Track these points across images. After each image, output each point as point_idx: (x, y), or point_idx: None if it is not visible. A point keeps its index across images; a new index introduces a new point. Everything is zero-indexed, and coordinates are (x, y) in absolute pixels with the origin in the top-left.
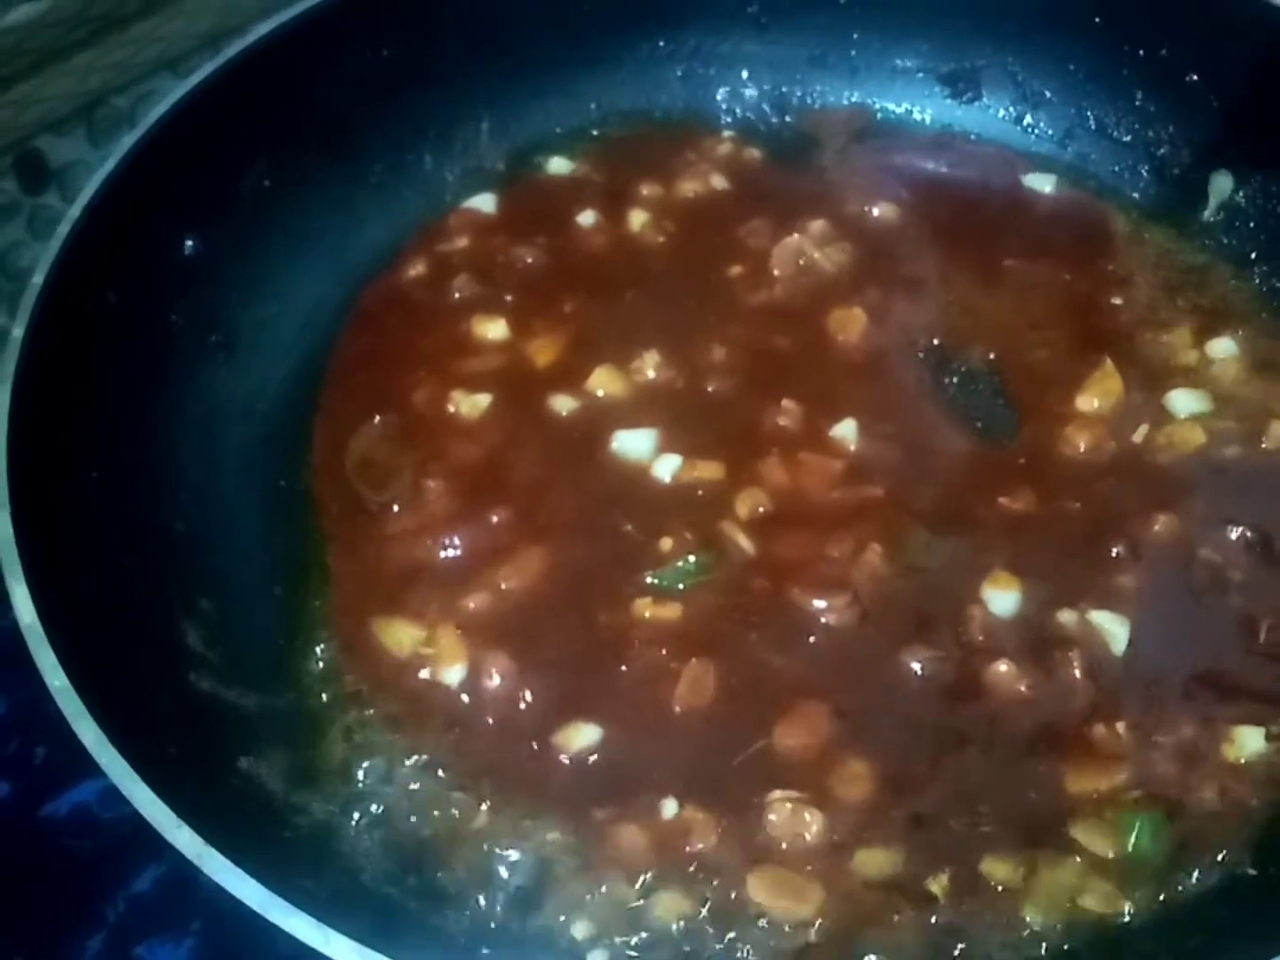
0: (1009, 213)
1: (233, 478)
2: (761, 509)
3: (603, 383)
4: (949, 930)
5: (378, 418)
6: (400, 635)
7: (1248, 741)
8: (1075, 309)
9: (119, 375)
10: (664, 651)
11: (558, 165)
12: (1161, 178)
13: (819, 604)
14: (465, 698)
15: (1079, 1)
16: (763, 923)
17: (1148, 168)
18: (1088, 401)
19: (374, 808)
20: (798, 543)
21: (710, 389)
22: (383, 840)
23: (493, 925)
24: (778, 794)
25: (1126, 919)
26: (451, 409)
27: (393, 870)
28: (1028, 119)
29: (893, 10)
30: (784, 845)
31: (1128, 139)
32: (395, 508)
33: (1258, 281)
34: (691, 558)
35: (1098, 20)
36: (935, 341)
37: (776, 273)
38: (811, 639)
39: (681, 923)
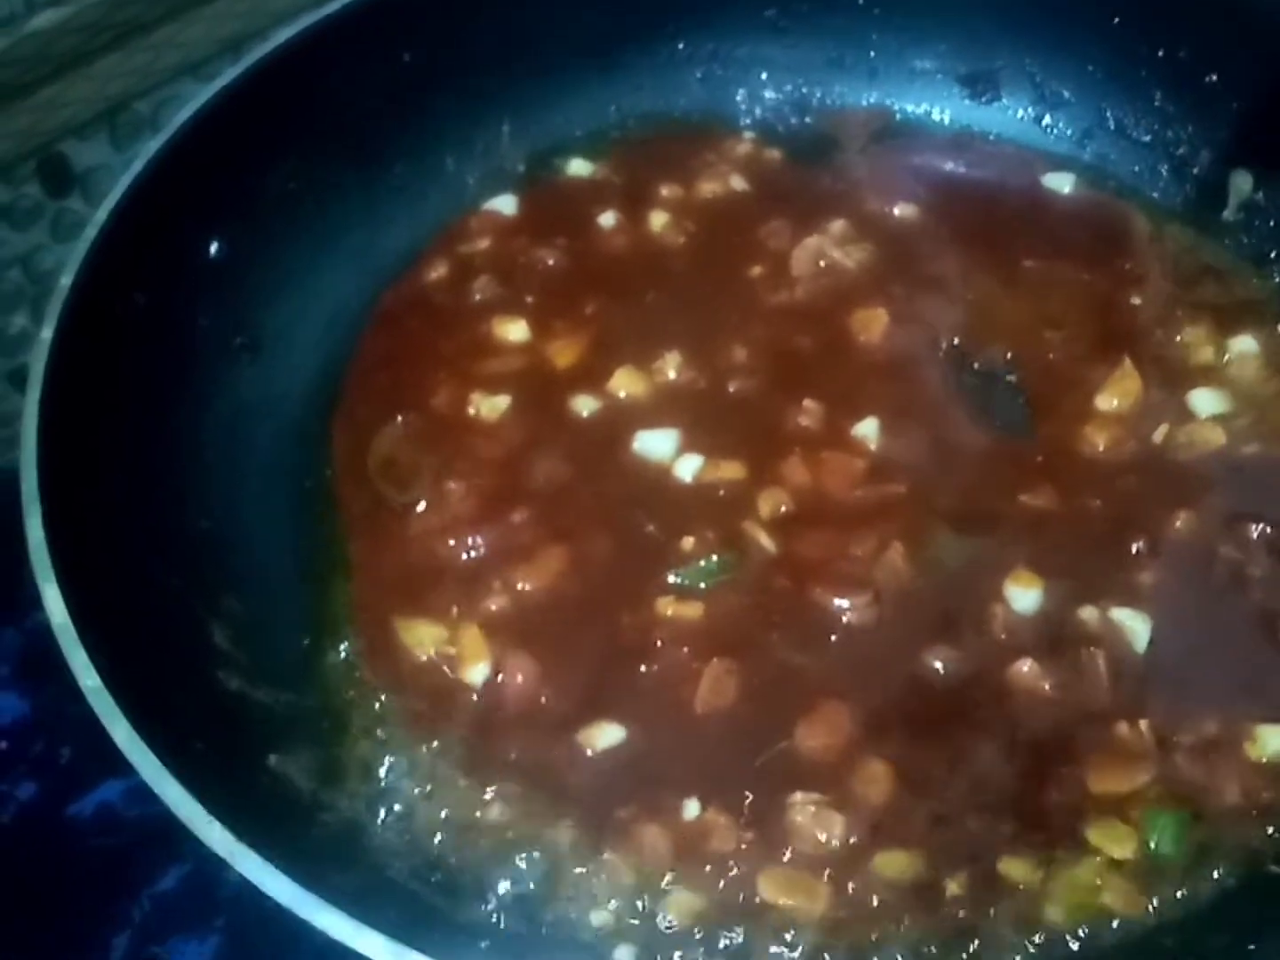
0: (1028, 212)
1: (258, 478)
2: (783, 508)
3: (624, 384)
4: (966, 930)
5: (399, 418)
6: (423, 634)
7: (1270, 740)
8: (1094, 308)
9: (146, 377)
10: (685, 651)
11: (578, 167)
12: (1181, 177)
13: (841, 603)
14: (488, 697)
15: (1097, 2)
16: (778, 921)
17: (1167, 167)
18: (1107, 401)
19: (398, 805)
20: (819, 541)
21: (731, 389)
22: (408, 837)
23: (516, 920)
24: (799, 796)
25: (1148, 918)
26: (472, 410)
27: (419, 866)
28: (1046, 119)
29: (911, 12)
30: (806, 848)
31: (1147, 139)
32: (418, 508)
33: (1278, 280)
34: (714, 557)
35: (1116, 21)
36: (955, 341)
37: (796, 273)
38: (833, 638)
39: (700, 922)
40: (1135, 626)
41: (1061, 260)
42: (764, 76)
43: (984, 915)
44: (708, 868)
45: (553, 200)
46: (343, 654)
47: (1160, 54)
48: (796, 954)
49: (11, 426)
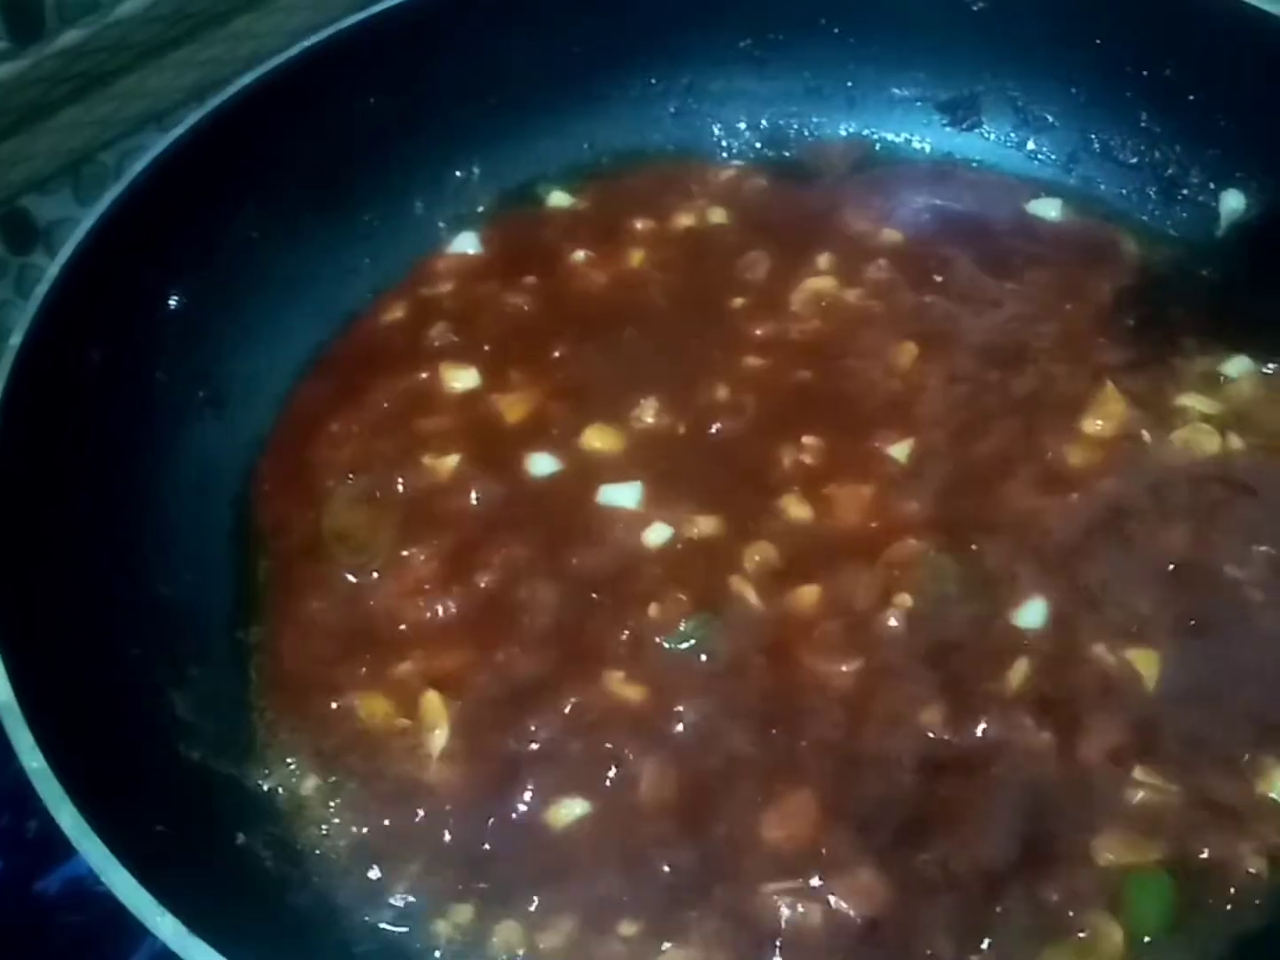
0: (1015, 239)
1: (224, 539)
2: (771, 562)
3: (593, 438)
4: None
5: (350, 476)
6: (376, 706)
7: None
8: (1085, 332)
9: (103, 436)
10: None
11: (551, 205)
12: (1170, 199)
13: (829, 669)
14: (445, 771)
15: (1079, 24)
16: None
17: (1155, 189)
18: (1092, 424)
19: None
20: (811, 597)
21: (714, 431)
22: (378, 915)
23: None
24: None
25: None
26: (422, 467)
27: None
28: (1030, 144)
29: (889, 39)
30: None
31: (1134, 161)
32: (374, 574)
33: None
34: (692, 621)
35: (1099, 42)
36: (947, 367)
37: (795, 309)
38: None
39: None
40: (1145, 664)
41: (1051, 285)
42: (740, 108)
43: None
44: None
45: (523, 239)
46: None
47: (1145, 73)
48: None
49: None
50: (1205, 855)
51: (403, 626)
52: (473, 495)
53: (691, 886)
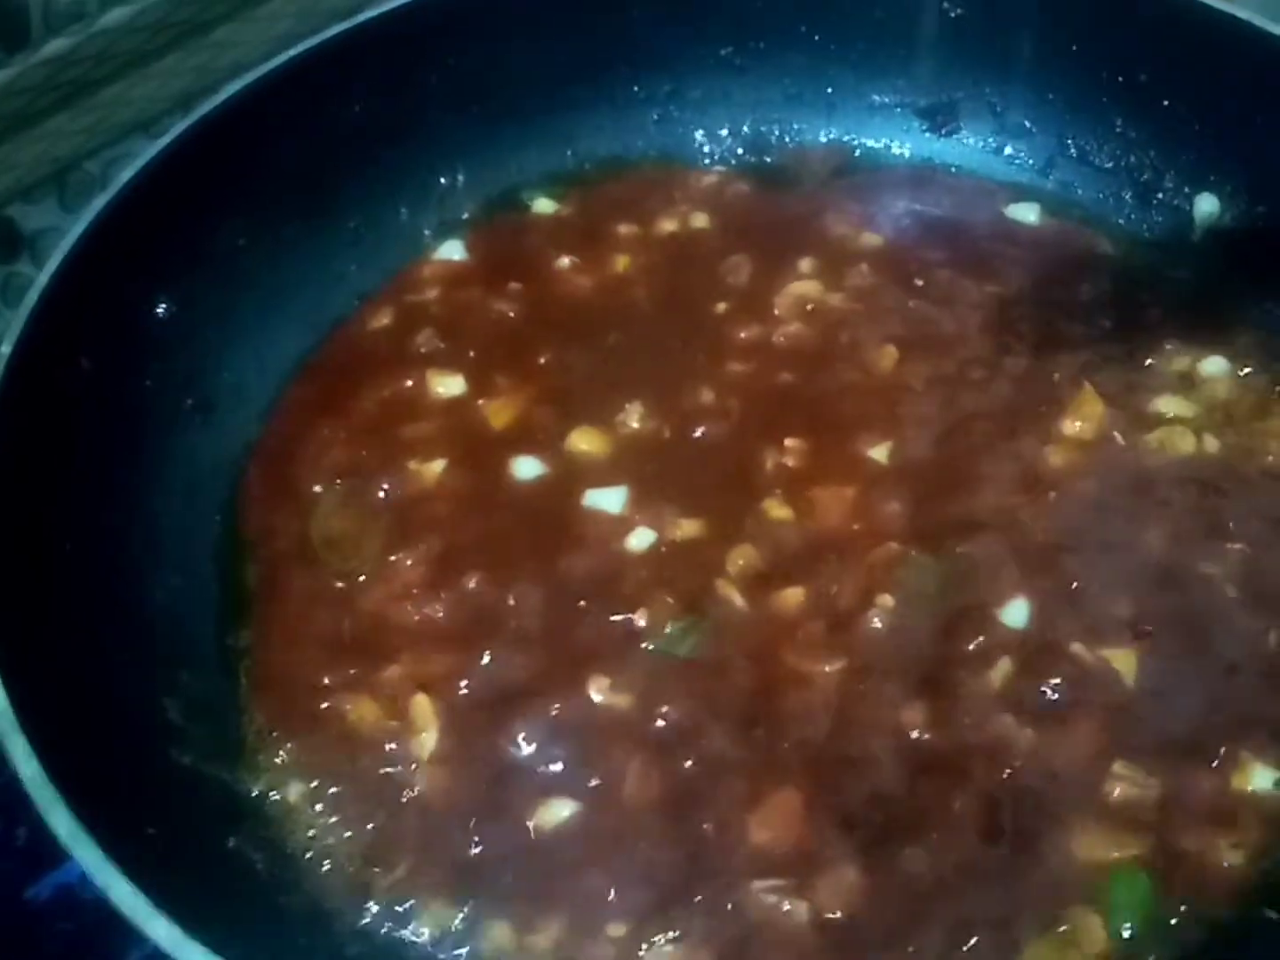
0: (994, 243)
1: (212, 545)
2: (754, 564)
3: (578, 441)
4: None
5: (338, 482)
6: (364, 709)
7: (1258, 773)
8: (1063, 334)
9: (94, 444)
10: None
11: (535, 211)
12: (1146, 203)
13: (813, 669)
14: (433, 773)
15: (1055, 31)
16: None
17: (1131, 193)
18: (1071, 425)
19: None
20: (794, 598)
21: (698, 434)
22: (368, 917)
23: None
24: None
25: None
26: (408, 472)
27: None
28: (1008, 149)
29: (868, 46)
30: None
31: (1110, 165)
32: (362, 578)
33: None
34: (678, 624)
35: (1074, 49)
36: (928, 370)
37: (778, 313)
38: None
39: None
40: (1122, 663)
41: (1030, 288)
42: (722, 115)
43: None
44: None
45: (508, 246)
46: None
47: (1120, 79)
48: None
49: None
50: (1183, 849)
51: (391, 630)
52: (459, 499)
53: (678, 885)
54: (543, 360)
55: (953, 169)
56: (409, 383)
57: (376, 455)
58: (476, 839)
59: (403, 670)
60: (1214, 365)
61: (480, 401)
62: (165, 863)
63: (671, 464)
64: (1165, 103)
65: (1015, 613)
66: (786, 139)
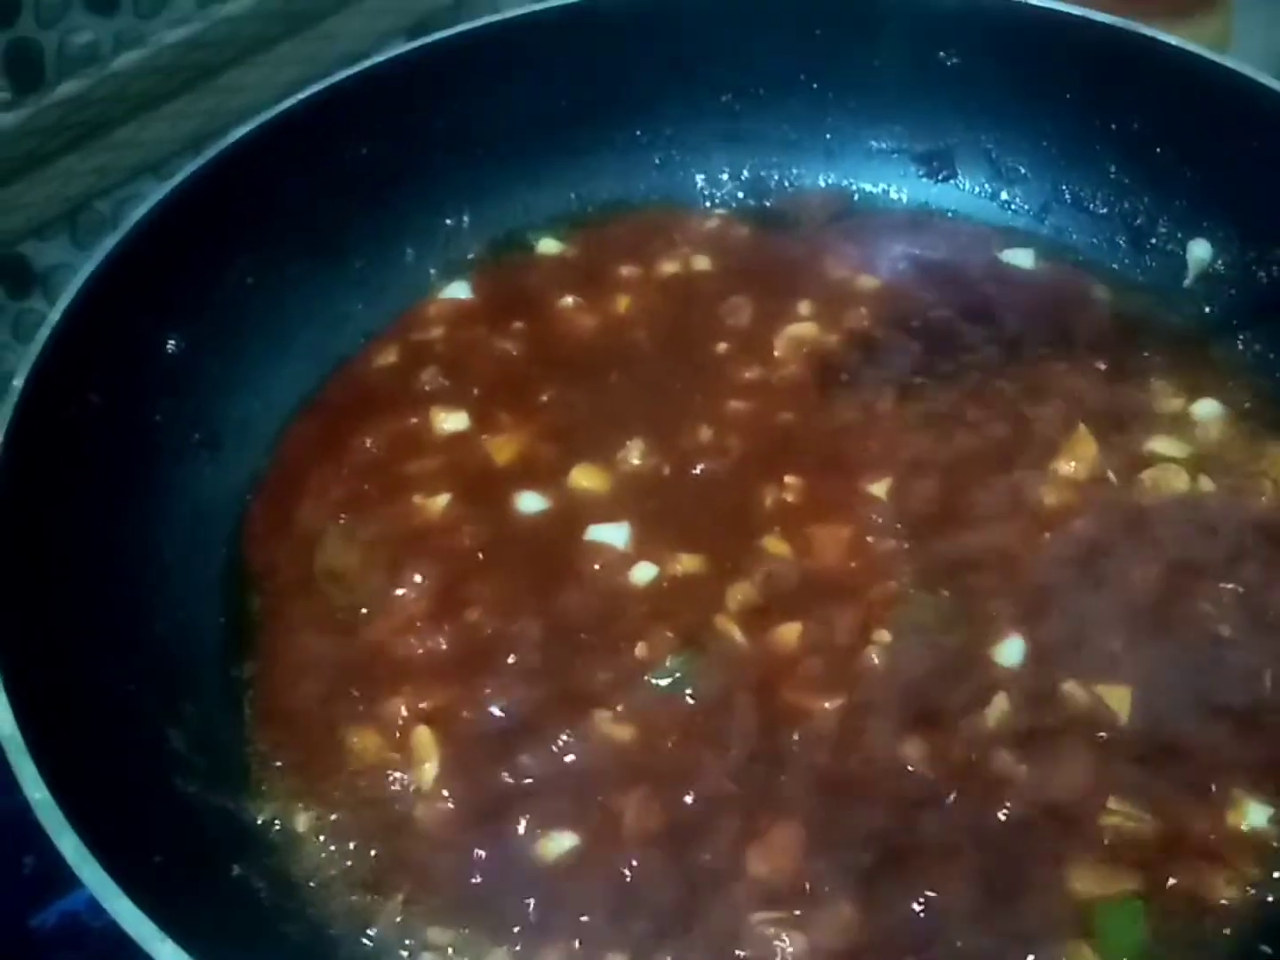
0: (990, 286)
1: (217, 577)
2: (753, 600)
3: (579, 477)
4: None
5: (342, 516)
6: (367, 740)
7: (1253, 810)
8: (1058, 375)
9: (101, 478)
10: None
11: (540, 252)
12: (1139, 248)
13: (812, 705)
14: (435, 804)
15: (1049, 79)
16: None
17: (1125, 239)
18: (1065, 464)
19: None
20: (793, 634)
21: (698, 471)
22: (369, 946)
23: None
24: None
25: None
26: (413, 506)
27: None
28: (1004, 195)
29: (866, 93)
30: None
31: (1104, 211)
32: (365, 611)
33: (1240, 347)
34: (678, 658)
35: (1068, 97)
36: (925, 410)
37: (778, 354)
38: (796, 737)
39: None
40: (1117, 699)
41: (1023, 331)
42: (722, 160)
43: None
44: None
45: (512, 286)
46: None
47: (1113, 127)
48: None
49: None
50: (1177, 885)
51: (393, 663)
52: (463, 534)
53: (678, 917)
54: (545, 398)
55: (949, 214)
56: (414, 419)
57: (381, 490)
58: (477, 868)
59: (405, 702)
60: (1207, 407)
61: (484, 437)
62: (171, 889)
63: (672, 500)
64: (1158, 150)
65: (1011, 650)
66: (786, 183)
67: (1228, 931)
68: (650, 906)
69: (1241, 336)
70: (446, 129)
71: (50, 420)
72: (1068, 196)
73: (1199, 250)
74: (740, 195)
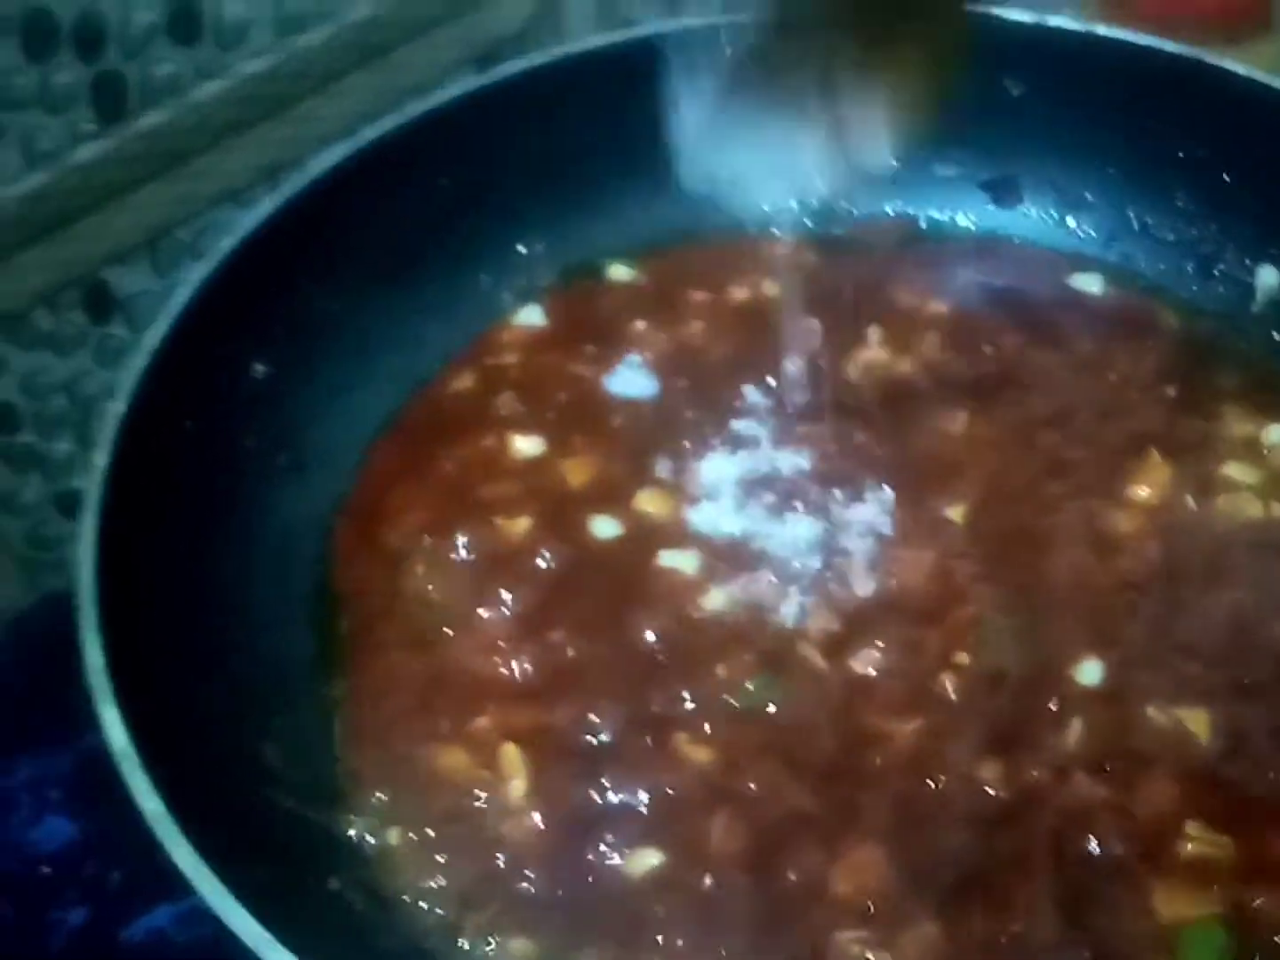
0: (1059, 312)
1: (306, 597)
2: (832, 624)
3: (646, 501)
4: None
5: (426, 538)
6: (455, 758)
7: None
8: (1129, 400)
9: (195, 500)
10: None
11: (611, 278)
12: (1207, 275)
13: (891, 727)
14: (522, 821)
15: (1115, 106)
16: None
17: (1193, 265)
18: (1138, 489)
19: (447, 926)
20: (872, 659)
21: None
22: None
23: None
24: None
25: None
26: (494, 529)
27: None
28: (1071, 221)
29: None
30: None
31: (1171, 238)
32: (451, 632)
33: None
34: (758, 680)
35: (1134, 124)
36: (997, 435)
37: (850, 378)
38: (875, 759)
39: None
40: (1196, 723)
41: (1094, 356)
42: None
43: None
44: None
45: (585, 312)
46: (375, 774)
47: (1180, 154)
48: None
49: (54, 550)
50: (1260, 908)
51: (480, 682)
52: (543, 556)
53: (765, 932)
54: (617, 422)
55: (1016, 240)
56: (491, 443)
57: (462, 512)
58: (565, 884)
59: (491, 721)
60: (1278, 433)
61: (559, 461)
62: (275, 900)
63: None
64: (1225, 177)
65: (1089, 673)
66: (853, 210)
67: None
68: (735, 923)
69: None
70: (520, 159)
71: (149, 445)
72: (1135, 224)
73: (1267, 276)
74: (808, 223)
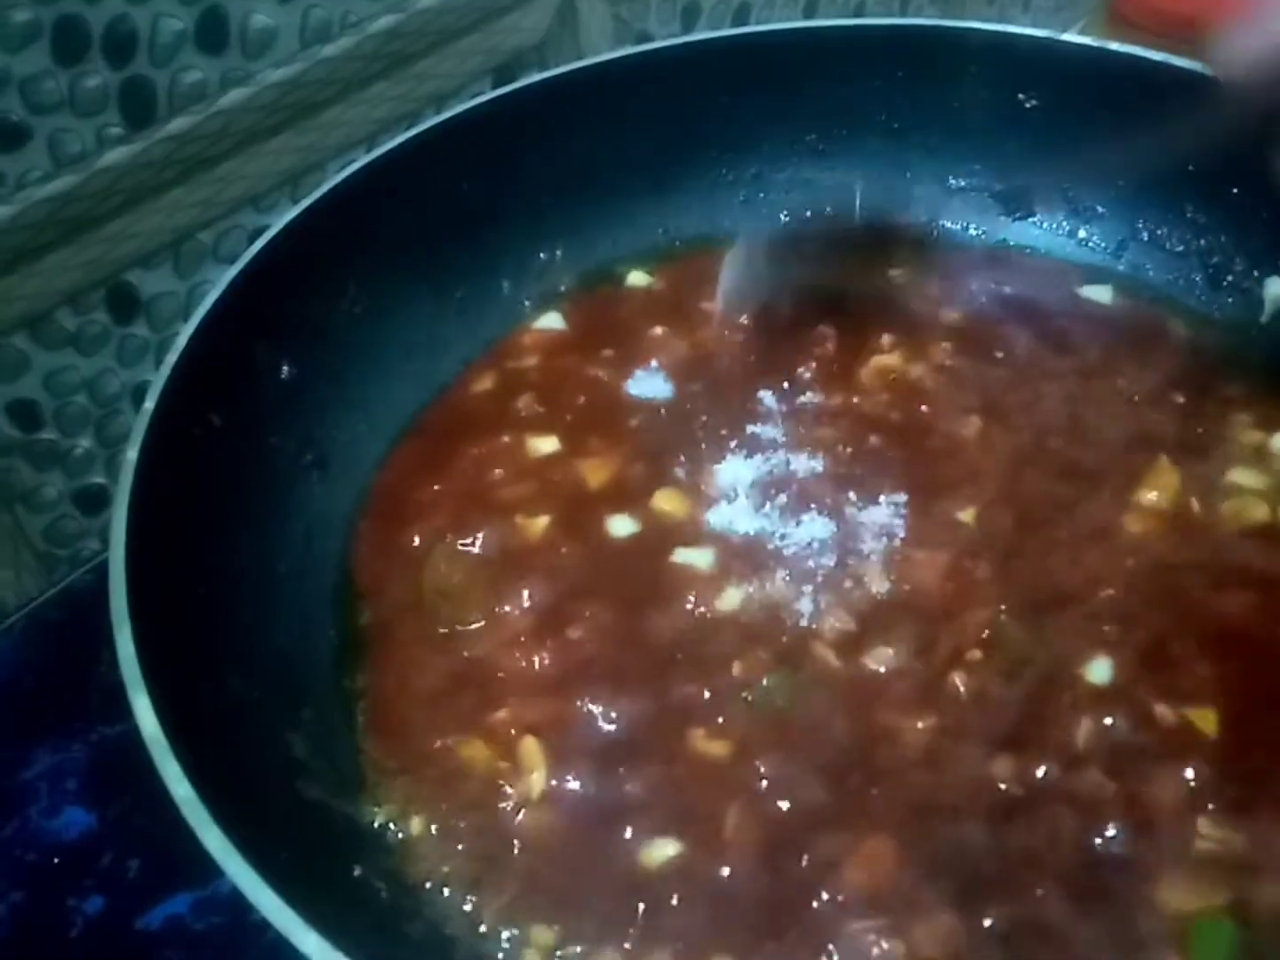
0: (1069, 321)
1: (329, 592)
2: (847, 622)
3: (663, 501)
4: None
5: (447, 536)
6: (475, 750)
7: None
8: (1139, 407)
9: (223, 496)
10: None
11: (629, 284)
12: (1216, 285)
13: (904, 724)
14: (542, 812)
15: (1126, 121)
16: None
17: (1202, 276)
18: (1147, 493)
19: (468, 913)
20: (886, 657)
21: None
22: (483, 946)
23: None
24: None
25: None
26: (513, 527)
27: None
28: (1081, 232)
29: (944, 134)
30: None
31: (1180, 249)
32: (472, 627)
33: None
34: (773, 677)
35: (1144, 138)
36: (1009, 439)
37: (864, 383)
38: (888, 754)
39: None
40: (1204, 719)
41: (1103, 366)
42: (805, 197)
43: None
44: None
45: (603, 317)
46: (397, 768)
47: (1189, 167)
48: None
49: (72, 546)
50: (1268, 902)
51: (499, 676)
52: (561, 554)
53: (780, 922)
54: (634, 423)
55: (1028, 250)
56: (511, 442)
57: (482, 511)
58: (584, 873)
59: (511, 714)
60: None
61: (577, 461)
62: (302, 885)
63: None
64: (1234, 190)
65: (1099, 672)
66: (869, 220)
67: None
68: (751, 912)
69: None
70: (541, 168)
71: (178, 438)
72: (1145, 235)
73: (1275, 287)
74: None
